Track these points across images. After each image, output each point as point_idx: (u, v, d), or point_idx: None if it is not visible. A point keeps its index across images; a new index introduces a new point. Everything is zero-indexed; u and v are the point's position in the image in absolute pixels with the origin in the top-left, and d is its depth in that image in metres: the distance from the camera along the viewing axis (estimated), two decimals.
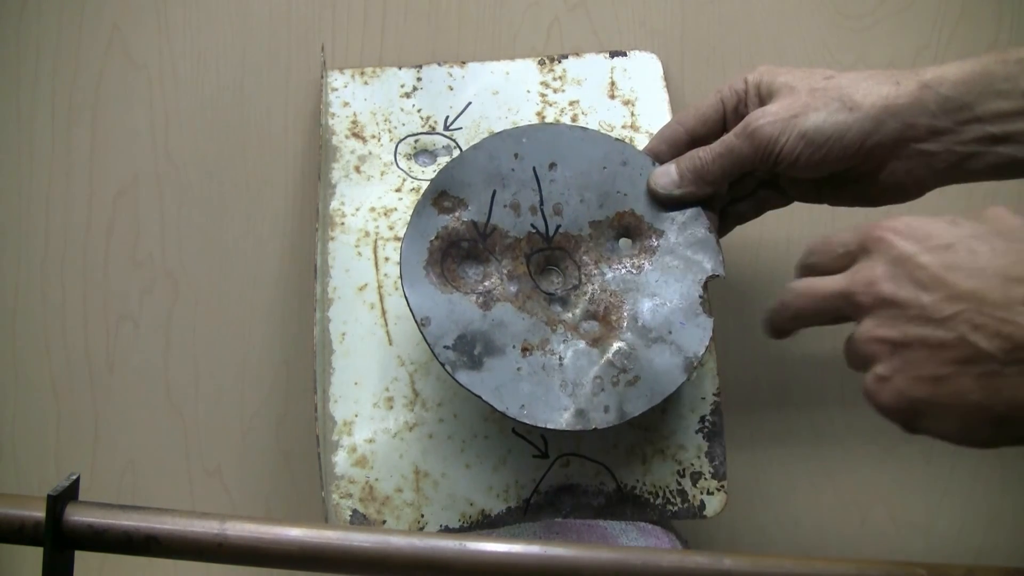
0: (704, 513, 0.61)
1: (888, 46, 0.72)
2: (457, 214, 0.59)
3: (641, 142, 0.65)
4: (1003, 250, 0.44)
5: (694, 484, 0.62)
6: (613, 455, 0.61)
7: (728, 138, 0.57)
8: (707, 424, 0.62)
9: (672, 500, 0.61)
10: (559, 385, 0.56)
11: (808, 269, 0.51)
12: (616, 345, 0.57)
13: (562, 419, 0.56)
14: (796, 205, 0.62)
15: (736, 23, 0.72)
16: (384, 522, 0.58)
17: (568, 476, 0.61)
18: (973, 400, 0.43)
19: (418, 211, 0.58)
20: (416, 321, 0.56)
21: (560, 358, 0.57)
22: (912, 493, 0.74)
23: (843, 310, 0.48)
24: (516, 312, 0.58)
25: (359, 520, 0.58)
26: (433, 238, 0.58)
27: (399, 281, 0.58)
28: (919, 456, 0.74)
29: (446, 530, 0.59)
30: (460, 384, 0.55)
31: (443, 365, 0.56)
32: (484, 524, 0.59)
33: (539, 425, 0.55)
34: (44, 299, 0.70)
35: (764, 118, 0.56)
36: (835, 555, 0.69)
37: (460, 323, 0.57)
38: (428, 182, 0.60)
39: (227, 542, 0.47)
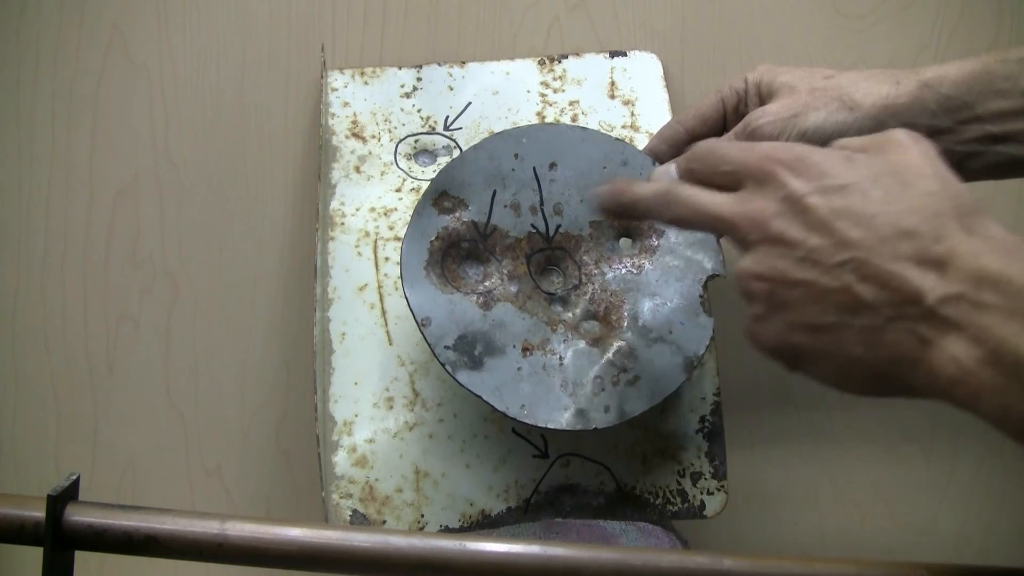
0: (704, 513, 0.61)
1: (888, 46, 0.72)
2: (457, 214, 0.59)
3: (641, 142, 0.65)
4: (897, 195, 0.42)
5: (694, 484, 0.62)
6: (613, 455, 0.61)
7: (728, 138, 0.57)
8: (707, 424, 0.62)
9: (672, 500, 0.61)
10: (559, 385, 0.56)
11: (688, 174, 0.49)
12: (616, 345, 0.57)
13: (562, 419, 0.56)
14: None
15: (736, 23, 0.72)
16: (384, 522, 0.58)
17: (568, 476, 0.61)
18: (854, 353, 0.42)
19: (418, 211, 0.58)
20: (416, 322, 0.56)
21: (560, 358, 0.57)
22: (912, 493, 0.74)
23: (724, 233, 0.46)
24: (516, 312, 0.58)
25: (359, 520, 0.58)
26: (433, 238, 0.58)
27: (399, 281, 0.58)
28: (919, 456, 0.74)
29: (446, 530, 0.59)
30: (460, 384, 0.55)
31: (443, 365, 0.56)
32: (484, 524, 0.59)
33: (539, 425, 0.55)
34: (44, 299, 0.70)
35: (764, 117, 0.56)
36: (835, 555, 0.69)
37: (460, 323, 0.57)
38: (428, 182, 0.60)
39: (227, 542, 0.47)
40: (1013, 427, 0.39)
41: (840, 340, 0.42)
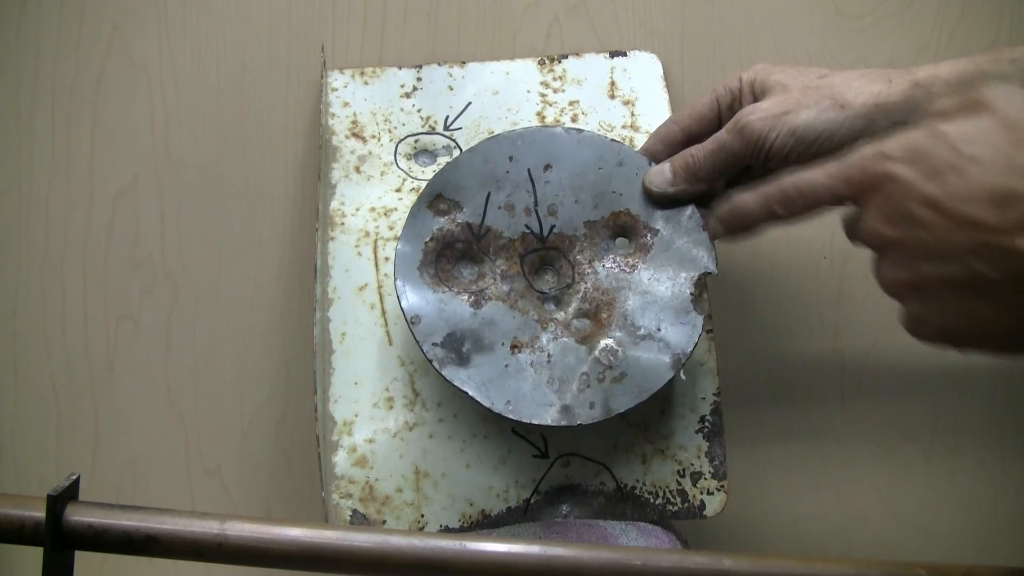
0: (704, 513, 0.61)
1: (888, 46, 0.72)
2: (452, 216, 0.59)
3: (641, 142, 0.65)
4: (993, 156, 0.42)
5: (694, 484, 0.62)
6: (613, 455, 0.61)
7: (719, 135, 0.57)
8: (707, 424, 0.62)
9: (672, 500, 0.61)
10: (546, 382, 0.56)
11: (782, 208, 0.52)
12: (603, 342, 0.57)
13: (547, 415, 0.56)
14: None
15: (736, 23, 0.72)
16: (384, 522, 0.58)
17: (568, 476, 0.61)
18: (1005, 324, 0.43)
19: (413, 214, 0.59)
20: (407, 320, 0.56)
21: (549, 355, 0.57)
22: (912, 493, 0.74)
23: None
24: (507, 310, 0.58)
25: (359, 520, 0.58)
26: (428, 240, 0.58)
27: None
28: (919, 456, 0.74)
29: (446, 530, 0.59)
30: (446, 380, 0.56)
31: (431, 362, 0.56)
32: (484, 524, 0.59)
33: (524, 421, 0.56)
34: (44, 299, 0.70)
35: (754, 114, 0.56)
36: (835, 555, 0.69)
37: (450, 321, 0.57)
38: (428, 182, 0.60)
39: (227, 542, 0.47)
40: None
41: (989, 318, 0.43)
